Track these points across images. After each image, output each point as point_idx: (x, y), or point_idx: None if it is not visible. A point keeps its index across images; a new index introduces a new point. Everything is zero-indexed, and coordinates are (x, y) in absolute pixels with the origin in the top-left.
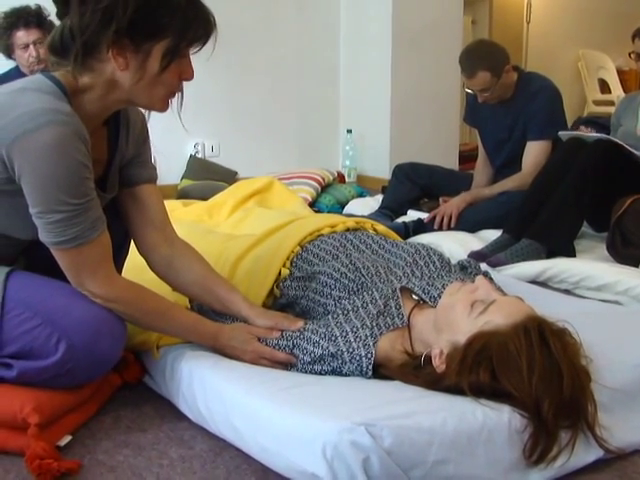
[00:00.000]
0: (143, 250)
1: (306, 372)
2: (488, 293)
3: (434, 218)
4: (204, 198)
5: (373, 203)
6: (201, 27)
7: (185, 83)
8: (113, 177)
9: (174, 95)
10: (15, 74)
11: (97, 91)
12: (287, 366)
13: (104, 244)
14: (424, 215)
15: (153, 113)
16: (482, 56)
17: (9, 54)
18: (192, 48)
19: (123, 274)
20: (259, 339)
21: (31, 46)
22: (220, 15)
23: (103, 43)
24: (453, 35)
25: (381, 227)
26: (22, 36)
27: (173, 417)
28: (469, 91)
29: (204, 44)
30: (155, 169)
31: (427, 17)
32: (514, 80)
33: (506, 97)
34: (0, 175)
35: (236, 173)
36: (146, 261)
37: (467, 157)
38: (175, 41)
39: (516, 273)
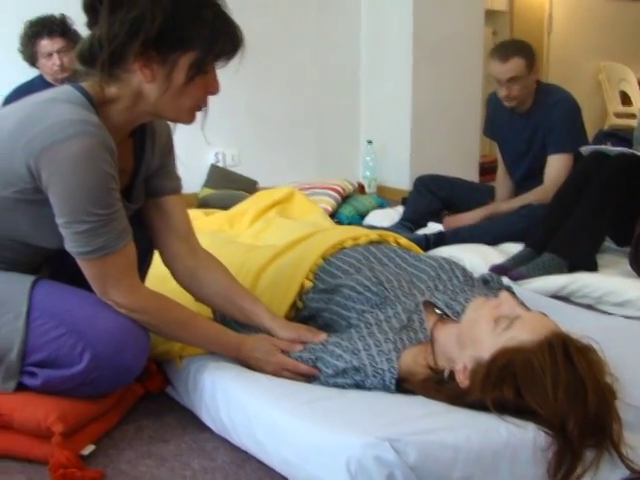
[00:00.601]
0: (167, 260)
1: (328, 385)
2: (512, 309)
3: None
4: (225, 207)
5: (394, 214)
6: (228, 41)
7: None
8: (139, 188)
9: (200, 108)
10: (39, 82)
11: (124, 102)
12: (309, 378)
13: (129, 255)
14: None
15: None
16: (518, 45)
17: (33, 62)
18: (218, 62)
19: (146, 284)
20: (282, 351)
21: (55, 55)
22: (240, 24)
23: (130, 54)
24: (474, 46)
25: (404, 240)
26: (46, 45)
27: (195, 428)
28: (494, 94)
29: (231, 59)
30: (180, 180)
31: (448, 28)
32: (534, 88)
33: (525, 106)
34: (28, 185)
35: (256, 182)
36: (170, 271)
37: (487, 169)
38: (202, 54)
39: (538, 287)
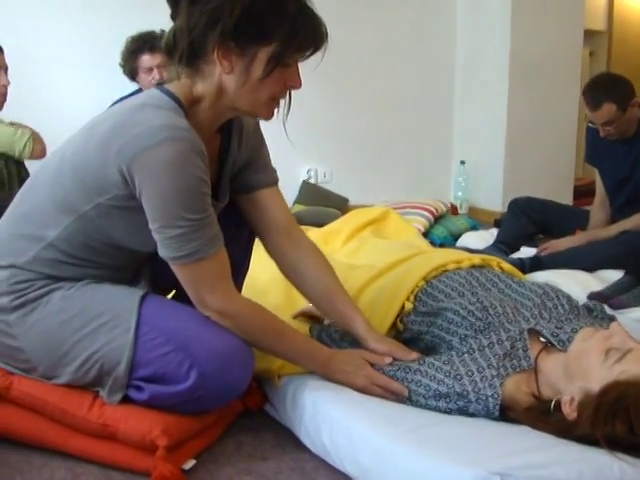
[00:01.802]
0: (271, 253)
1: (429, 409)
2: (624, 341)
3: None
4: (315, 223)
5: (487, 236)
6: (310, 36)
7: (300, 110)
8: (225, 185)
9: (278, 103)
10: None
11: (208, 99)
12: (399, 398)
13: (222, 260)
14: None
15: (267, 137)
16: (608, 88)
17: (133, 77)
18: (299, 56)
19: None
20: (372, 365)
21: (155, 70)
22: (337, 42)
23: (209, 44)
24: (571, 67)
25: (507, 265)
26: (147, 60)
27: (294, 447)
28: (591, 125)
29: (312, 53)
30: (275, 172)
31: (545, 48)
32: (638, 116)
33: (628, 134)
34: (121, 192)
35: (347, 200)
36: (276, 264)
37: (581, 192)
38: (281, 47)
39: (639, 317)
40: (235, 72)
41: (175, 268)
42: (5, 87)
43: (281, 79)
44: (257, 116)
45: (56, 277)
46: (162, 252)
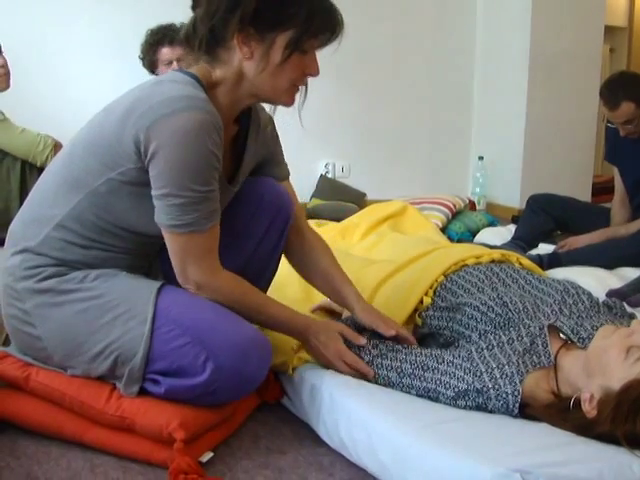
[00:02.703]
0: None
1: (448, 405)
2: None
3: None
4: (333, 218)
5: (505, 233)
6: (326, 22)
7: (318, 104)
8: (243, 173)
9: (298, 89)
10: None
11: (228, 84)
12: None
13: (213, 236)
14: None
15: (285, 131)
16: (626, 86)
17: (153, 70)
18: (316, 42)
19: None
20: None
21: (175, 63)
22: (356, 37)
23: (229, 30)
24: (591, 63)
25: (527, 261)
26: (167, 53)
27: (311, 441)
28: (610, 125)
29: (329, 41)
30: (287, 165)
31: (565, 44)
32: None
33: None
34: (132, 165)
35: (365, 195)
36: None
37: (600, 189)
38: (298, 33)
39: None
40: (255, 58)
41: (167, 236)
42: (4, 67)
43: (299, 66)
44: (278, 102)
45: (66, 262)
46: (159, 218)
